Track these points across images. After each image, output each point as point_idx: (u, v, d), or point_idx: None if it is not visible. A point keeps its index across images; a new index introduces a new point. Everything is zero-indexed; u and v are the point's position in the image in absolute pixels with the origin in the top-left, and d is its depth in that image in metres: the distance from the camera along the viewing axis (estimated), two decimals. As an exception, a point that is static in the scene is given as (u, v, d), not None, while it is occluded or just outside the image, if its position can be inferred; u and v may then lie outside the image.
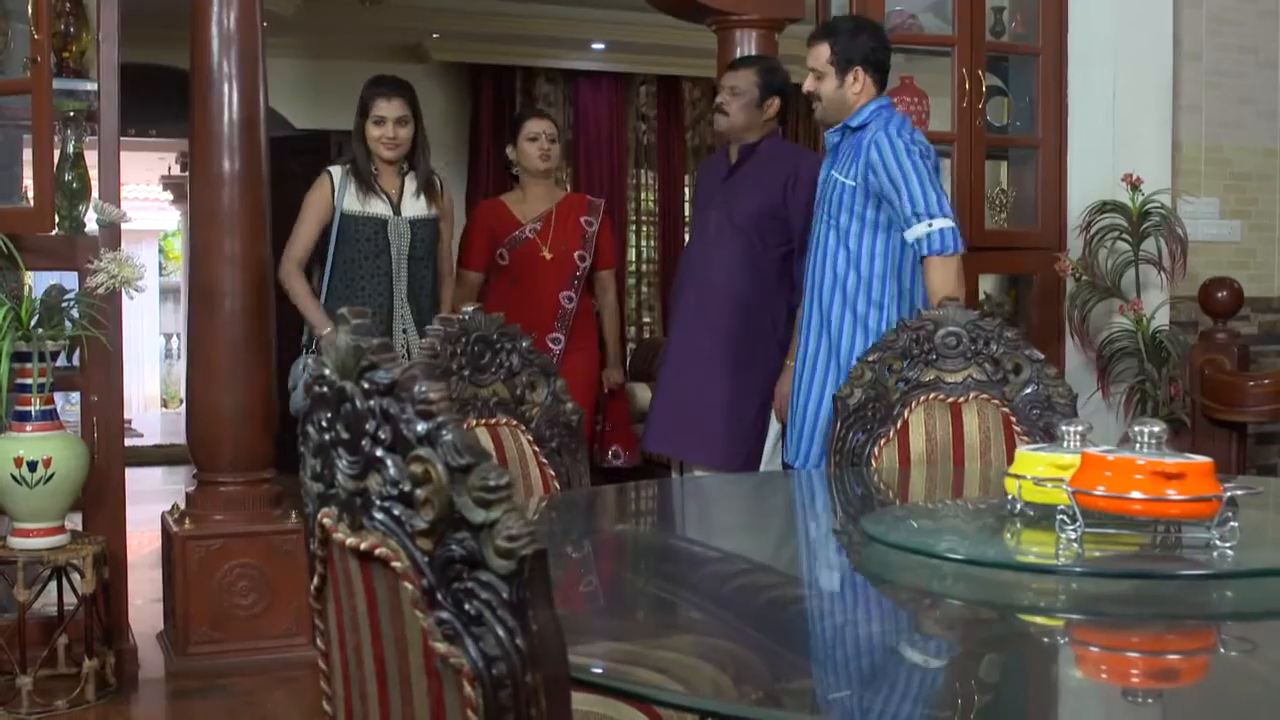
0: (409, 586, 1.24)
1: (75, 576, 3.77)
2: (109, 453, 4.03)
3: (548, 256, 4.67)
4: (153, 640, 4.42)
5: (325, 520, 1.38)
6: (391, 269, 4.24)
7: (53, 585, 3.92)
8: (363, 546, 1.30)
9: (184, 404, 13.84)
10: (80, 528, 3.99)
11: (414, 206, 4.30)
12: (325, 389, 1.35)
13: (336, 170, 4.31)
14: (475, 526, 1.17)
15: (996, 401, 2.80)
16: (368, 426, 1.28)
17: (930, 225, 3.36)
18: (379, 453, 1.27)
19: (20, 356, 3.65)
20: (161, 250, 16.60)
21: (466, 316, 2.39)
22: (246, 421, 4.19)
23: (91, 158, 4.22)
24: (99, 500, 4.01)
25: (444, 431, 1.19)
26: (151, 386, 15.15)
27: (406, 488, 1.23)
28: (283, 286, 4.29)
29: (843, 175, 3.52)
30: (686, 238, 9.54)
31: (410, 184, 4.33)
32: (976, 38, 4.87)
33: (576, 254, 4.74)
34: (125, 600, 4.12)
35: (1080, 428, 1.95)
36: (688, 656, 1.72)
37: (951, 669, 1.66)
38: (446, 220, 4.43)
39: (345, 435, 1.32)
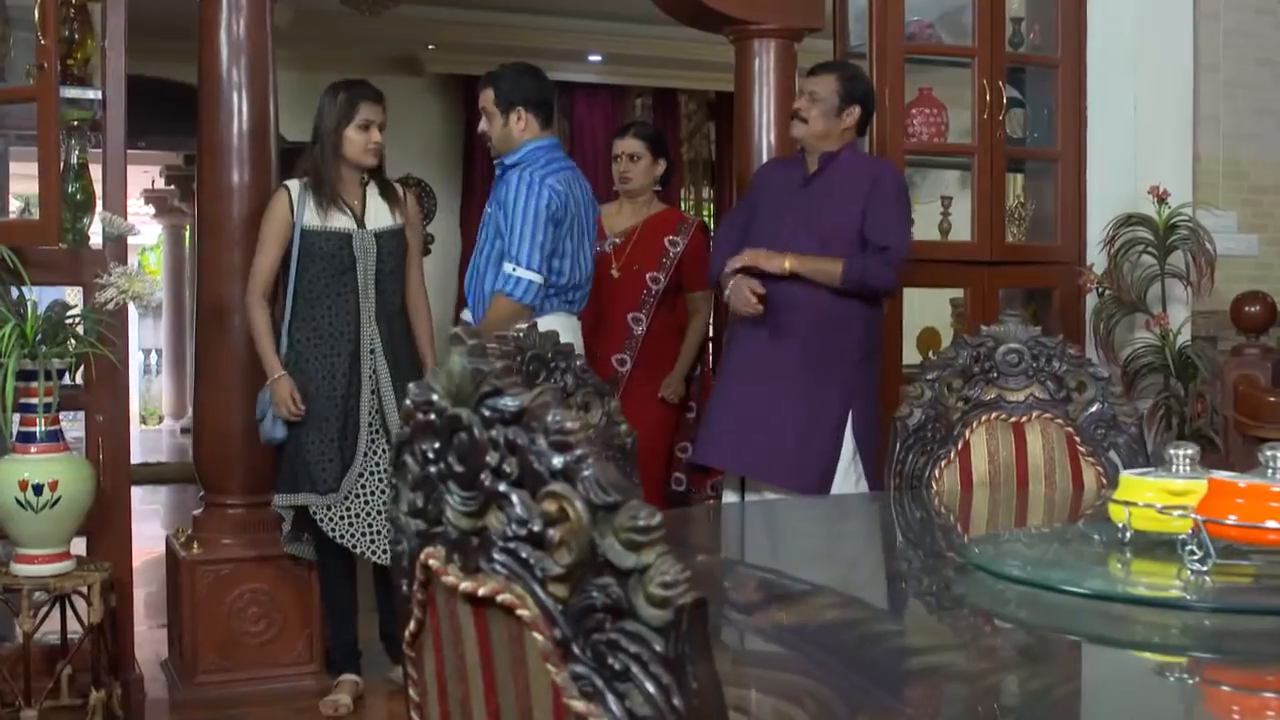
0: (538, 637, 1.12)
1: (80, 604, 3.62)
2: (115, 475, 3.89)
3: (615, 275, 4.51)
4: (155, 668, 4.26)
5: (431, 561, 1.25)
6: (358, 286, 3.90)
7: (54, 613, 3.77)
8: (481, 592, 1.17)
9: (162, 420, 13.72)
10: (83, 553, 3.84)
11: (379, 218, 3.97)
12: (433, 416, 1.23)
13: (294, 184, 3.93)
14: (622, 572, 1.05)
15: (1060, 421, 2.69)
16: (488, 459, 1.15)
17: (515, 270, 3.75)
18: (502, 488, 1.14)
19: (25, 375, 3.49)
20: (139, 265, 16.38)
21: (520, 334, 2.28)
22: (256, 443, 4.03)
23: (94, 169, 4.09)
24: (104, 524, 3.87)
25: (584, 465, 1.07)
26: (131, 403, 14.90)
27: (536, 527, 1.11)
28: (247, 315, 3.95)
29: (490, 205, 3.94)
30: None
31: (373, 193, 4.00)
32: (996, 48, 4.80)
33: (649, 275, 4.55)
34: (131, 628, 3.98)
35: (1190, 451, 1.84)
36: (767, 695, 1.61)
37: (1070, 709, 1.55)
38: (414, 229, 4.09)
39: (459, 468, 1.19)
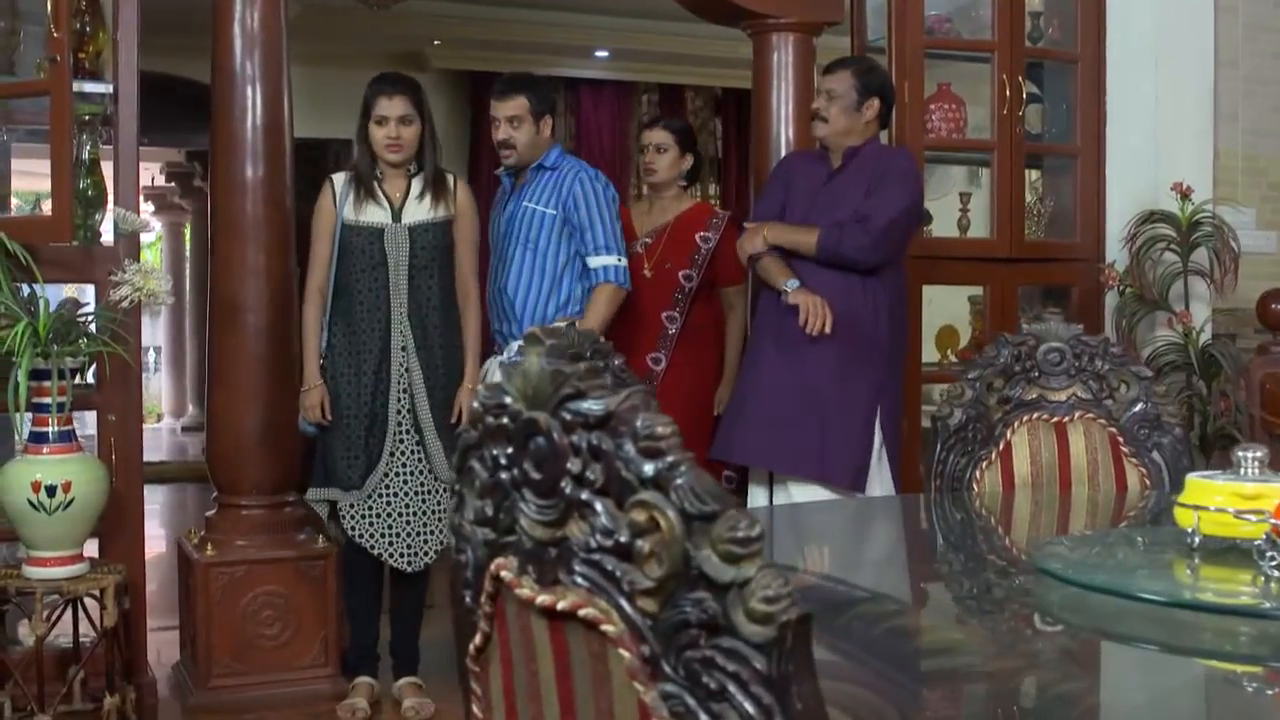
0: (624, 654, 1.06)
1: (93, 606, 3.55)
2: (128, 476, 3.82)
3: (647, 274, 4.42)
4: (167, 670, 4.20)
5: (503, 573, 1.19)
6: (389, 282, 3.85)
7: (65, 616, 3.70)
8: (561, 605, 1.11)
9: (161, 419, 13.62)
10: (95, 554, 3.78)
11: (417, 211, 3.91)
12: (505, 420, 1.17)
13: (339, 178, 3.95)
14: (720, 585, 0.99)
15: (1103, 421, 2.64)
16: (570, 465, 1.09)
17: (619, 261, 4.01)
18: (584, 496, 1.08)
19: (37, 374, 3.43)
20: (138, 262, 16.28)
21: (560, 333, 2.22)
22: (270, 442, 3.97)
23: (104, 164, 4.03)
24: (117, 526, 3.80)
25: (677, 473, 1.01)
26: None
27: (624, 538, 1.05)
28: None
29: (542, 206, 4.05)
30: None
31: (416, 186, 3.94)
32: (1016, 43, 4.74)
33: (682, 273, 4.46)
34: (145, 631, 3.91)
35: (1259, 453, 1.78)
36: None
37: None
38: (465, 220, 3.99)
39: (535, 475, 1.13)
